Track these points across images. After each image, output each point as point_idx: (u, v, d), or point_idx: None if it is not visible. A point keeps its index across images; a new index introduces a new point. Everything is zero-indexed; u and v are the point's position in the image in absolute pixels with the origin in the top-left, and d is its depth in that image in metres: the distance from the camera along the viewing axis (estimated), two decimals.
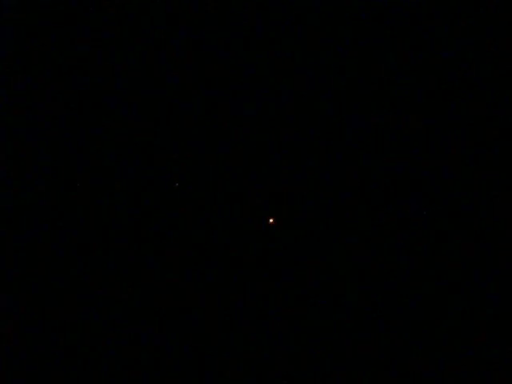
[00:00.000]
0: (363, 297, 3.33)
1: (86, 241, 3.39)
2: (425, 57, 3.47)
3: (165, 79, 3.51)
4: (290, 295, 3.35)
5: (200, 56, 3.51)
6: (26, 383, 3.15)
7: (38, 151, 3.45)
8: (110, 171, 3.46)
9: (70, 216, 3.41)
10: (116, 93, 3.49)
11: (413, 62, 3.48)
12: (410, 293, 3.32)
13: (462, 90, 3.45)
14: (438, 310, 3.29)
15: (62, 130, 3.47)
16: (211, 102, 3.50)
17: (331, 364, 3.20)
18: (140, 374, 3.18)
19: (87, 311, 3.29)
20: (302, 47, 3.50)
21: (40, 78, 3.47)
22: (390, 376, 3.18)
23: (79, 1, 3.48)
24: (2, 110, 3.45)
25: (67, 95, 3.49)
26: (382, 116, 3.47)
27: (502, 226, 3.37)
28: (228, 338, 3.26)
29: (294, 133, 3.50)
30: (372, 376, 3.17)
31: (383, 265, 3.37)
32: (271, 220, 3.46)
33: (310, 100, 3.50)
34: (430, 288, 3.33)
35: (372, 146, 3.46)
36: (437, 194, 3.43)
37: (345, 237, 3.42)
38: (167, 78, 3.51)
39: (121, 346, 3.23)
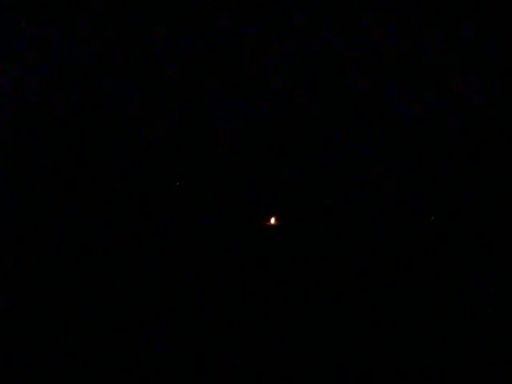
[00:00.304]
0: (363, 297, 3.33)
1: (85, 240, 3.39)
2: (424, 56, 3.47)
3: (165, 79, 3.51)
4: (290, 295, 3.35)
5: (200, 56, 3.51)
6: (26, 383, 3.15)
7: (37, 151, 3.46)
8: (110, 171, 3.46)
9: (69, 216, 3.42)
10: (116, 93, 3.49)
11: (412, 62, 3.48)
12: (410, 293, 3.33)
13: (462, 90, 3.46)
14: (437, 309, 3.29)
15: (62, 129, 3.47)
16: (211, 101, 3.51)
17: (331, 364, 3.20)
18: (140, 374, 3.18)
19: (87, 311, 3.29)
20: (301, 47, 3.50)
21: (40, 77, 3.48)
22: (390, 376, 3.18)
23: (79, 1, 3.48)
24: (2, 110, 3.46)
25: (67, 95, 3.49)
26: (382, 116, 3.47)
27: (502, 226, 3.38)
28: (228, 338, 3.26)
29: (294, 133, 3.50)
30: (372, 376, 3.17)
31: (383, 265, 3.38)
32: (271, 220, 3.46)
33: (310, 100, 3.51)
34: (430, 288, 3.33)
35: (373, 146, 3.46)
36: (437, 194, 3.44)
37: (345, 237, 3.42)
38: (167, 78, 3.51)
39: (121, 345, 3.23)
